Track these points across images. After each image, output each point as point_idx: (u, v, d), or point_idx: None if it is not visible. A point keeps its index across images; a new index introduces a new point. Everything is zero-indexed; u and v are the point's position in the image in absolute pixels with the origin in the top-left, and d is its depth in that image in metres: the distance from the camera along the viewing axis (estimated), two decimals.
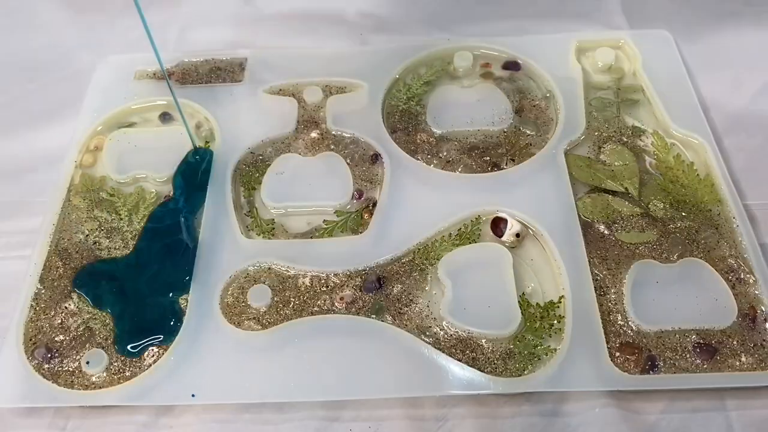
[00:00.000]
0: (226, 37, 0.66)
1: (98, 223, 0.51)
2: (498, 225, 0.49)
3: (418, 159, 0.53)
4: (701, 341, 0.43)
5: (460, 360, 0.43)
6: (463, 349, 0.44)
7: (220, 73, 0.61)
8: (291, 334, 0.45)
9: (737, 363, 0.42)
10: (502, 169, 0.53)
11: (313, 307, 0.46)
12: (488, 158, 0.54)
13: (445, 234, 0.49)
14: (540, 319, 0.44)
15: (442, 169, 0.53)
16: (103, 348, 0.44)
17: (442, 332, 0.44)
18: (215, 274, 0.47)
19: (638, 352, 0.43)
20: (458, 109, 0.57)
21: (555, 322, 0.44)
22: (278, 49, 0.64)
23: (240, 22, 0.68)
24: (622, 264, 0.47)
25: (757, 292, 0.45)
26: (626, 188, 0.51)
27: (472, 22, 0.66)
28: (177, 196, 0.52)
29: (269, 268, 0.48)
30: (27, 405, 0.43)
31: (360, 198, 0.52)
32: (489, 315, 0.45)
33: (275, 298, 0.46)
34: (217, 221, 0.50)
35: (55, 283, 0.48)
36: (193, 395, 0.42)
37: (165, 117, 0.58)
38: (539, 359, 0.43)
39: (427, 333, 0.44)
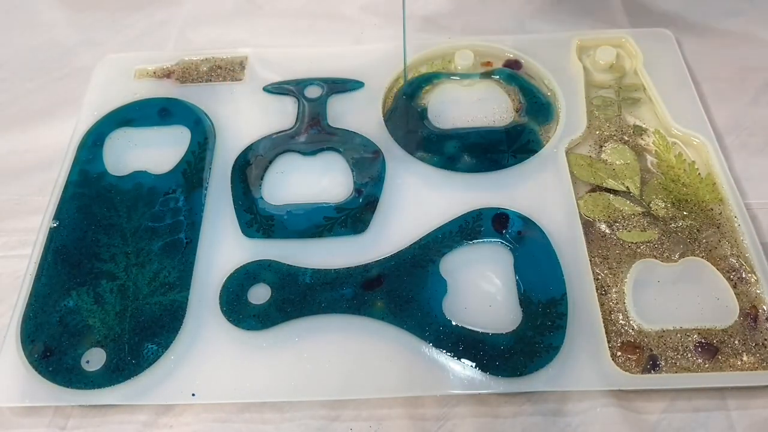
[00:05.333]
0: (227, 35, 0.66)
1: (97, 220, 0.51)
2: (499, 223, 0.49)
3: (418, 157, 0.53)
4: (703, 340, 0.43)
5: (460, 359, 0.43)
6: (464, 348, 0.43)
7: (221, 71, 0.61)
8: (291, 334, 0.45)
9: (739, 362, 0.42)
10: (502, 167, 0.53)
11: (314, 306, 0.46)
12: (489, 156, 0.54)
13: (446, 232, 0.49)
14: (541, 317, 0.44)
15: (443, 167, 0.53)
16: (102, 347, 0.44)
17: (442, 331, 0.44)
18: (215, 273, 0.47)
19: (639, 352, 0.43)
20: (459, 108, 0.57)
21: (556, 321, 0.44)
22: (279, 48, 0.63)
23: (240, 21, 0.68)
24: (623, 263, 0.47)
25: (758, 291, 0.45)
26: (627, 187, 0.51)
27: (472, 20, 0.66)
28: (177, 194, 0.52)
29: (269, 266, 0.48)
30: (27, 404, 0.43)
31: (360, 196, 0.52)
32: (490, 314, 0.44)
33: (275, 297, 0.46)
34: (218, 219, 0.50)
35: (55, 282, 0.48)
36: (193, 394, 0.42)
37: (164, 114, 0.58)
38: (540, 358, 0.43)
39: (428, 332, 0.44)
